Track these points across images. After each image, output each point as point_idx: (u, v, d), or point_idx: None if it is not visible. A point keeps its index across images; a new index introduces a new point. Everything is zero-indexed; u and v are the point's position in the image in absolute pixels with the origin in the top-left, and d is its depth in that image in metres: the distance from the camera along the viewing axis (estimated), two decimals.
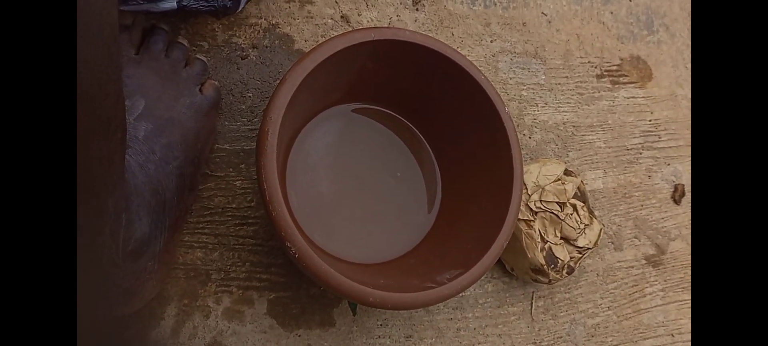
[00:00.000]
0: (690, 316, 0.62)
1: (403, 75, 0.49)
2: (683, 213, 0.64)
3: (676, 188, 0.65)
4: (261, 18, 0.52)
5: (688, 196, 0.65)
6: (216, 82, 0.48)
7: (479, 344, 0.54)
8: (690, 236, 0.64)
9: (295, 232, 0.40)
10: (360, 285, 0.41)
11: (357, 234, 0.50)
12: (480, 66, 0.58)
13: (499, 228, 0.46)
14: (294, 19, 0.53)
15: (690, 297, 0.62)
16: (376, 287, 0.41)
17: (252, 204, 0.49)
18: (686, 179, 0.65)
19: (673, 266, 0.62)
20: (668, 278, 0.62)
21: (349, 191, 0.50)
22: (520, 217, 0.52)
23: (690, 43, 0.69)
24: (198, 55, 0.48)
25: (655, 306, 0.61)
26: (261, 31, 0.52)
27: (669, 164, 0.65)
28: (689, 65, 0.68)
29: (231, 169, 0.49)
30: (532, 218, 0.52)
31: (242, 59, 0.51)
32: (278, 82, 0.45)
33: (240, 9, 0.48)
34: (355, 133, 0.52)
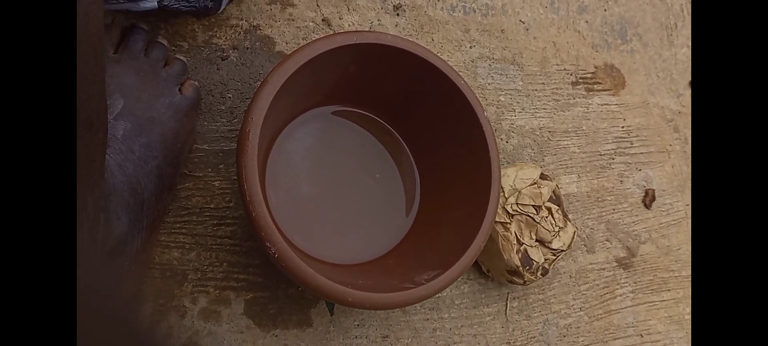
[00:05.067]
0: (658, 317, 0.64)
1: (385, 79, 0.49)
2: (653, 217, 0.66)
3: (646, 192, 0.67)
4: (242, 19, 0.52)
5: (659, 200, 0.67)
6: (196, 83, 0.48)
7: (455, 344, 0.54)
8: (659, 240, 0.66)
9: (275, 232, 0.40)
10: (339, 285, 0.41)
11: (336, 235, 0.50)
12: (459, 71, 0.59)
13: (476, 230, 0.47)
14: (275, 21, 0.53)
15: (659, 299, 0.64)
16: (354, 288, 0.42)
17: (230, 204, 0.49)
18: (657, 184, 0.67)
19: (643, 269, 0.64)
20: (638, 280, 0.64)
21: (328, 193, 0.51)
22: (497, 219, 0.53)
23: (662, 52, 0.71)
24: (178, 55, 0.48)
25: (625, 307, 0.62)
26: (242, 33, 0.52)
27: (640, 170, 0.67)
28: (661, 73, 0.70)
29: (210, 170, 0.49)
30: (509, 221, 0.53)
31: (222, 60, 0.51)
32: (260, 83, 0.45)
33: (221, 10, 0.48)
34: (335, 135, 0.52)
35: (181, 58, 0.48)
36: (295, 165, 0.50)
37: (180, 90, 0.47)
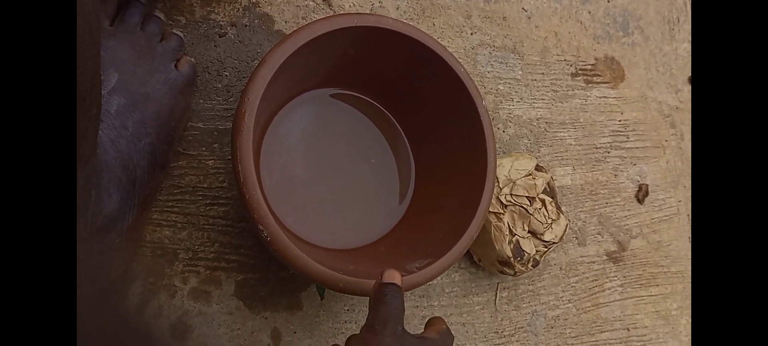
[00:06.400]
0: (645, 312, 0.64)
1: (384, 63, 0.49)
2: (645, 212, 0.66)
3: (640, 187, 0.67)
4: None
5: (652, 196, 0.67)
6: (192, 59, 0.47)
7: None
8: (650, 235, 0.66)
9: (268, 215, 0.40)
10: (330, 270, 0.41)
11: (329, 219, 0.50)
12: (459, 58, 0.58)
13: (470, 220, 0.46)
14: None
15: (647, 294, 0.65)
16: (345, 273, 0.42)
17: (224, 184, 0.49)
18: (650, 180, 0.67)
19: (633, 263, 0.65)
20: (627, 274, 0.64)
21: (323, 176, 0.50)
22: (491, 209, 0.53)
23: (663, 47, 0.70)
24: (174, 30, 0.47)
25: (614, 301, 0.63)
26: (241, 9, 0.51)
27: (635, 164, 0.67)
28: (660, 68, 0.70)
29: (204, 149, 0.49)
30: (502, 211, 0.53)
31: (220, 37, 0.50)
32: (257, 63, 0.44)
33: None
34: (332, 118, 0.51)
35: (178, 33, 0.47)
36: (290, 147, 0.49)
37: (176, 66, 0.46)
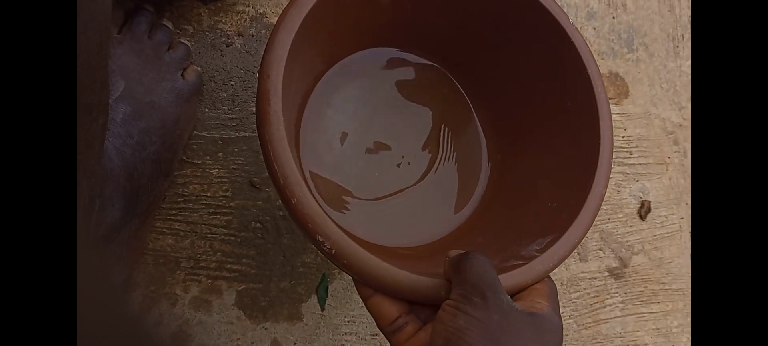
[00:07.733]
0: (646, 329, 0.64)
1: (435, 11, 0.41)
2: (647, 229, 0.66)
3: (642, 204, 0.67)
4: (249, 6, 0.51)
5: (654, 212, 0.67)
6: (198, 68, 0.47)
7: None
8: (652, 252, 0.66)
9: (327, 220, 0.30)
10: (430, 278, 0.31)
11: (401, 214, 0.42)
12: None
13: (590, 177, 0.38)
14: (282, 10, 0.53)
15: (647, 311, 0.65)
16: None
17: (227, 193, 0.49)
18: (653, 196, 0.67)
19: (634, 280, 0.64)
20: (628, 290, 0.64)
21: (383, 162, 0.43)
22: None
23: (667, 63, 0.71)
24: (182, 39, 0.47)
25: (614, 317, 0.63)
26: (248, 20, 0.51)
27: (638, 181, 0.67)
28: (664, 85, 0.70)
29: (208, 157, 0.49)
30: None
31: (227, 46, 0.50)
32: (273, 26, 0.34)
33: None
34: (382, 89, 0.43)
35: (185, 42, 0.47)
36: (335, 132, 0.41)
37: (182, 75, 0.46)
